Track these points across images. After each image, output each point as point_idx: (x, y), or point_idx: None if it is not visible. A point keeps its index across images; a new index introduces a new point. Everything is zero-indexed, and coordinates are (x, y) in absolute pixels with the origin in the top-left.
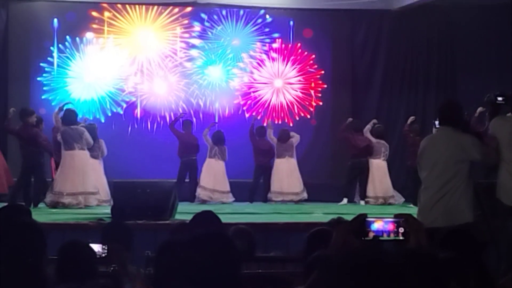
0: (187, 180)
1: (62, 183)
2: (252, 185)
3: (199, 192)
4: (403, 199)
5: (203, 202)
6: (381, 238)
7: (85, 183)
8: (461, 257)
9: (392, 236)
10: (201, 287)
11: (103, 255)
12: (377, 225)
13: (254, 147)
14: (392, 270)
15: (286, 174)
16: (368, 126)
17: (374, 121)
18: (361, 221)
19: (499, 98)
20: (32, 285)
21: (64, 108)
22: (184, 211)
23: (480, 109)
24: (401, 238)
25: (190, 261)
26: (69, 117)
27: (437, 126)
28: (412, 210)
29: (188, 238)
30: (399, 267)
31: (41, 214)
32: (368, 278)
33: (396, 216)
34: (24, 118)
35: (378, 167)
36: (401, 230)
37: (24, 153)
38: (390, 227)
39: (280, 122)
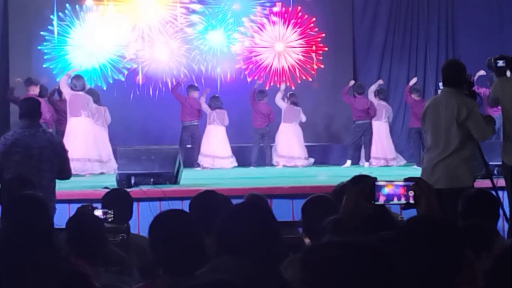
0: (189, 146)
1: (69, 149)
2: (255, 150)
3: (201, 159)
4: (404, 161)
5: (205, 168)
6: (392, 203)
7: (91, 150)
8: (480, 223)
9: (403, 200)
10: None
11: (110, 219)
12: (387, 189)
13: (253, 110)
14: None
15: (295, 139)
16: (373, 87)
17: (380, 81)
18: (371, 185)
19: (500, 62)
20: (45, 256)
21: (73, 74)
22: (190, 177)
23: (480, 72)
24: (411, 202)
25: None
26: (78, 82)
27: (441, 87)
28: (416, 171)
29: (227, 211)
30: (410, 235)
31: None
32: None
33: (406, 179)
34: (27, 87)
35: (380, 129)
36: (411, 193)
37: None
38: (401, 191)
39: (284, 85)
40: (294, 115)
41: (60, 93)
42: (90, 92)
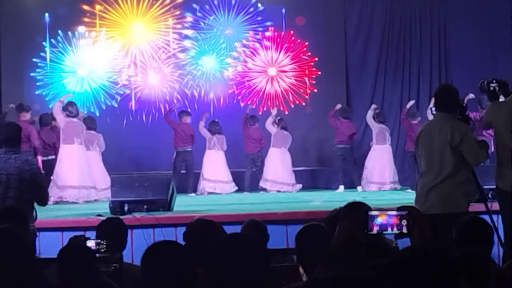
0: (183, 171)
1: (64, 176)
2: (248, 175)
3: (204, 184)
4: (399, 185)
5: (208, 193)
6: (385, 232)
7: (85, 177)
8: (475, 251)
9: (396, 230)
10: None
11: (102, 250)
12: (380, 219)
13: (244, 136)
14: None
15: (282, 164)
16: (370, 112)
17: (374, 106)
18: (364, 215)
19: (492, 85)
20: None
21: (65, 100)
22: (184, 203)
23: (470, 95)
24: (405, 231)
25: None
26: (73, 109)
27: (434, 112)
28: (411, 195)
29: (215, 244)
30: (404, 265)
31: (38, 211)
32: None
33: (399, 208)
34: (19, 113)
35: (384, 153)
36: (404, 222)
37: None
38: (394, 220)
39: (276, 109)
40: (283, 140)
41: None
42: (89, 119)
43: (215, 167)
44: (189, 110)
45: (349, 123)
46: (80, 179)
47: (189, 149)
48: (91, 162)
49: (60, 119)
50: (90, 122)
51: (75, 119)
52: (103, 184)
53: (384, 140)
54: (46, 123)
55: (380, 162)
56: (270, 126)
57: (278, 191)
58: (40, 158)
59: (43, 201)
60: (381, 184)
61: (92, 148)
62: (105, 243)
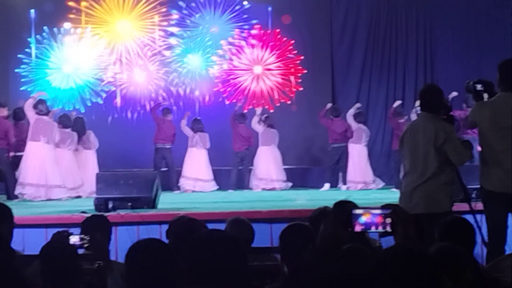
0: (164, 169)
1: (25, 173)
2: (234, 173)
3: (182, 182)
4: (383, 183)
5: (186, 191)
6: (369, 231)
7: (48, 176)
8: (455, 249)
9: (380, 229)
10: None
11: (85, 245)
12: (365, 218)
13: (233, 133)
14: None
15: (274, 162)
16: (351, 111)
17: (358, 105)
18: (348, 214)
19: (478, 86)
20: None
21: (38, 98)
22: (168, 201)
23: (453, 93)
24: (389, 230)
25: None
26: (43, 107)
27: (419, 111)
28: (395, 194)
29: (194, 240)
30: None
31: (23, 208)
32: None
33: (384, 207)
34: None
35: (359, 152)
36: (389, 221)
37: None
38: (378, 219)
39: (260, 108)
40: (271, 137)
41: None
42: (65, 117)
43: (196, 165)
44: (175, 107)
45: (340, 121)
46: (40, 178)
47: (168, 147)
48: (62, 161)
49: (31, 115)
50: (65, 120)
51: (45, 117)
52: (71, 183)
53: (360, 140)
54: (19, 117)
55: (352, 161)
56: (256, 125)
57: (272, 189)
58: (11, 154)
59: None
60: (363, 183)
61: (63, 147)
62: (88, 239)
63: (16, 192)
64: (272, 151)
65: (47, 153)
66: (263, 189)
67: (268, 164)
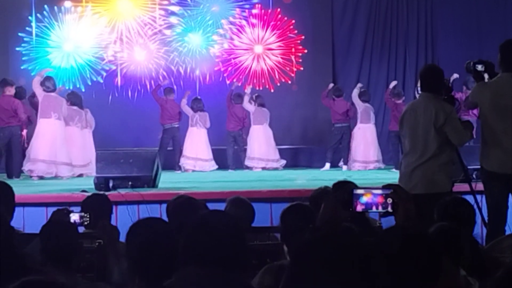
0: (170, 148)
1: (36, 150)
2: (230, 153)
3: (183, 161)
4: (383, 164)
5: (186, 171)
6: (370, 211)
7: (58, 152)
8: (455, 230)
9: (381, 209)
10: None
11: (85, 223)
12: (366, 198)
13: (228, 113)
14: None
15: (266, 141)
16: (356, 90)
17: (360, 85)
18: (349, 194)
19: (479, 66)
20: (8, 263)
21: (45, 75)
22: (169, 180)
23: (454, 75)
24: (390, 210)
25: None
26: (49, 83)
27: (419, 92)
28: (395, 174)
29: (194, 220)
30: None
31: (23, 186)
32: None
33: (385, 187)
34: (3, 88)
35: (372, 131)
36: (390, 201)
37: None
38: (379, 199)
39: (261, 88)
40: (263, 116)
41: None
42: (73, 94)
43: (196, 144)
44: (175, 87)
45: (342, 101)
46: (51, 154)
47: (176, 126)
48: (70, 138)
49: (39, 93)
50: (73, 98)
51: (53, 94)
52: (80, 161)
53: (368, 119)
54: (20, 96)
55: (364, 141)
56: (248, 104)
57: (264, 168)
58: (25, 131)
59: None
60: (366, 163)
61: (72, 124)
62: (88, 216)
63: (26, 168)
64: (264, 130)
65: (58, 130)
66: (255, 168)
67: (260, 143)
